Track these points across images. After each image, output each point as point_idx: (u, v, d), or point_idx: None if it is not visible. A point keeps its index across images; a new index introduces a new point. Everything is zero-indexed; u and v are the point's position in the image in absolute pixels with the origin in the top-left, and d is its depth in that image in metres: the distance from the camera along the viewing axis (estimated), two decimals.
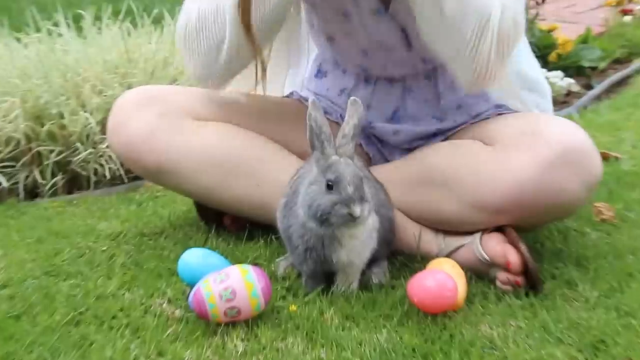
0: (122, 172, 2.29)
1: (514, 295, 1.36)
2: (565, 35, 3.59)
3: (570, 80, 3.20)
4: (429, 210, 1.51)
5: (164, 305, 1.35)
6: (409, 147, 1.66)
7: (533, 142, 1.38)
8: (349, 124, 1.34)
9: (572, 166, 1.36)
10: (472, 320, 1.27)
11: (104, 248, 1.65)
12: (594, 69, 3.49)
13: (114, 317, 1.31)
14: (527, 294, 1.37)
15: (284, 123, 1.66)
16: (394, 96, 1.66)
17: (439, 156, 1.53)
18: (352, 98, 1.37)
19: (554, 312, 1.29)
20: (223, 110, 1.63)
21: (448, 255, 1.48)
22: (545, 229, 1.69)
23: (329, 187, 1.26)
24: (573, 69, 3.41)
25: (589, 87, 3.27)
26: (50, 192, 2.25)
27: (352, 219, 1.25)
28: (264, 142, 1.60)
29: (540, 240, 1.62)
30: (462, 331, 1.23)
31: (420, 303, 1.25)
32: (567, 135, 1.38)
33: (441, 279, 1.25)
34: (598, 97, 3.11)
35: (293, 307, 1.31)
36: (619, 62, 3.80)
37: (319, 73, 1.77)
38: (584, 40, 3.68)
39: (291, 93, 1.81)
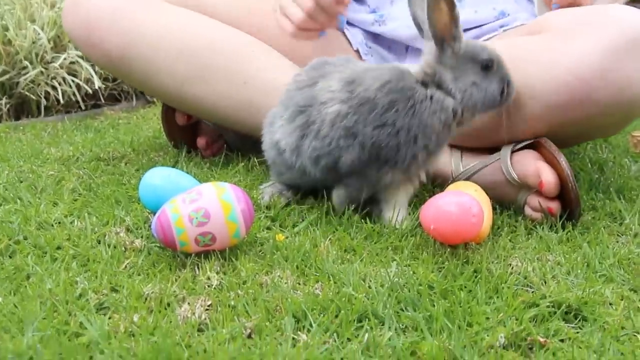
0: (78, 97, 2.09)
1: (547, 228, 1.20)
2: None
3: None
4: None
5: (121, 234, 1.17)
6: None
7: (598, 26, 1.18)
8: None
9: None
10: (500, 254, 1.10)
11: (51, 172, 1.46)
12: None
13: (58, 248, 1.13)
14: (563, 226, 1.20)
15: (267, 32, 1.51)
16: None
17: None
18: None
19: (598, 247, 1.13)
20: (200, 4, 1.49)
21: (468, 179, 1.30)
22: (578, 160, 1.53)
23: (487, 68, 1.17)
24: None
25: None
26: None
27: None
28: (252, 39, 1.44)
29: (574, 171, 1.45)
30: (488, 266, 1.05)
31: (437, 231, 1.07)
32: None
33: (465, 202, 1.07)
34: None
35: (280, 237, 1.14)
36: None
37: None
38: None
39: None
